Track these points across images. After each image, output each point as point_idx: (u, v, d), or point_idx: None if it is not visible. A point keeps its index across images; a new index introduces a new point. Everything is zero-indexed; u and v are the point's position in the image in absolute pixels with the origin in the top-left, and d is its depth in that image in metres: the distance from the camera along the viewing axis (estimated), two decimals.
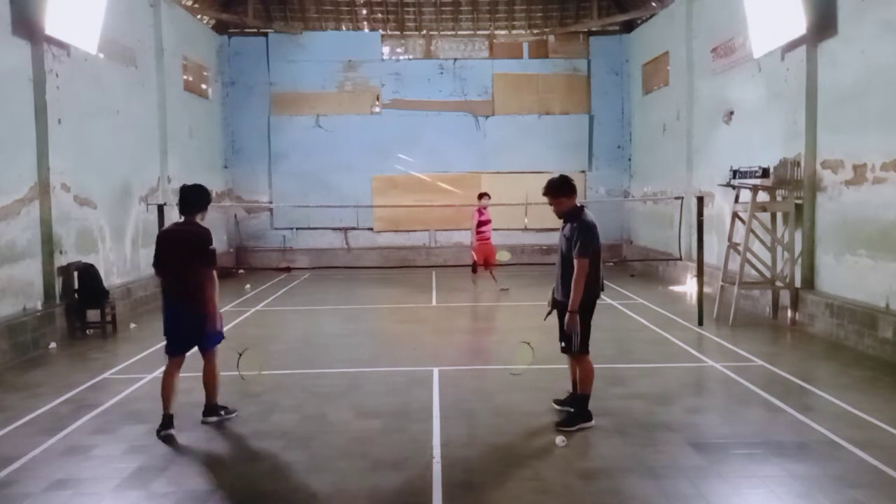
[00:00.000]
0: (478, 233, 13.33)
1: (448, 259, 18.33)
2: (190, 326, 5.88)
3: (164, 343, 6.02)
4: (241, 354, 6.56)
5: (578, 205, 5.98)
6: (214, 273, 5.94)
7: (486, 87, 19.09)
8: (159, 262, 5.95)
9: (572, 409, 6.03)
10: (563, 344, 5.94)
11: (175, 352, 5.97)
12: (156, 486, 4.80)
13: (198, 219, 5.98)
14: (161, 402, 5.90)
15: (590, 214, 5.94)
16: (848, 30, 9.14)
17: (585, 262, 5.70)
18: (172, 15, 14.52)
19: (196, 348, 6.08)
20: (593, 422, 5.86)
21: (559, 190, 5.90)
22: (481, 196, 13.67)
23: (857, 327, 8.57)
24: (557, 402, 6.34)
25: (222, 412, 6.20)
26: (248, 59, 18.72)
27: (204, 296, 5.81)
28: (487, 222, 13.44)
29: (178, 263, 5.84)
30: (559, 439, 5.53)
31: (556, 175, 6.06)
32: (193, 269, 5.81)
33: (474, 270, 13.43)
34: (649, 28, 17.40)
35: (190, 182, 6.25)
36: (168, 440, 5.68)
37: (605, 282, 6.16)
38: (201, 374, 6.17)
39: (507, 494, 4.65)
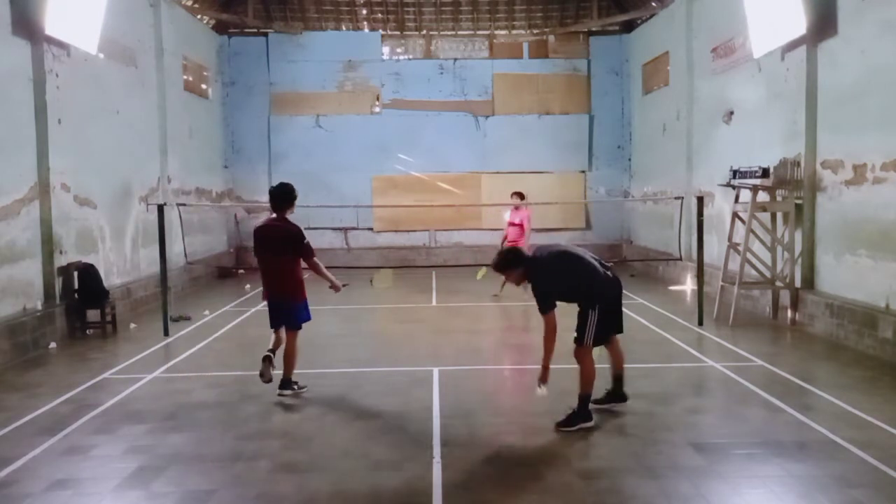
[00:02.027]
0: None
1: (448, 259, 18.32)
2: (281, 308, 6.81)
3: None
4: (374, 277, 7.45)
5: (532, 256, 5.95)
6: (314, 259, 6.77)
7: (486, 87, 19.08)
8: (257, 252, 6.84)
9: (622, 400, 6.22)
10: (575, 335, 5.93)
11: (272, 325, 6.91)
12: (156, 486, 4.80)
13: (287, 214, 6.75)
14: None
15: (543, 261, 5.87)
16: (848, 30, 9.14)
17: (549, 317, 5.74)
18: (172, 15, 14.52)
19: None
20: (593, 422, 5.86)
21: (502, 267, 5.97)
22: (513, 195, 12.72)
23: (857, 327, 8.57)
24: (597, 401, 6.21)
25: (295, 387, 6.85)
26: (248, 59, 18.71)
27: (291, 283, 6.70)
28: (512, 224, 12.51)
29: (271, 255, 6.70)
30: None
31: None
32: (285, 260, 6.68)
33: None
34: (649, 28, 17.40)
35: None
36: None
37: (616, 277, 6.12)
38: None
39: (507, 494, 4.64)
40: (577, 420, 5.82)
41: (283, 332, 6.87)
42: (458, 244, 18.73)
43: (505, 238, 12.67)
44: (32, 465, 5.21)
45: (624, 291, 6.32)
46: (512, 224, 12.62)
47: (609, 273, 6.01)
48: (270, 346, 6.81)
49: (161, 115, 14.04)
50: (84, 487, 4.81)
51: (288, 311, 6.81)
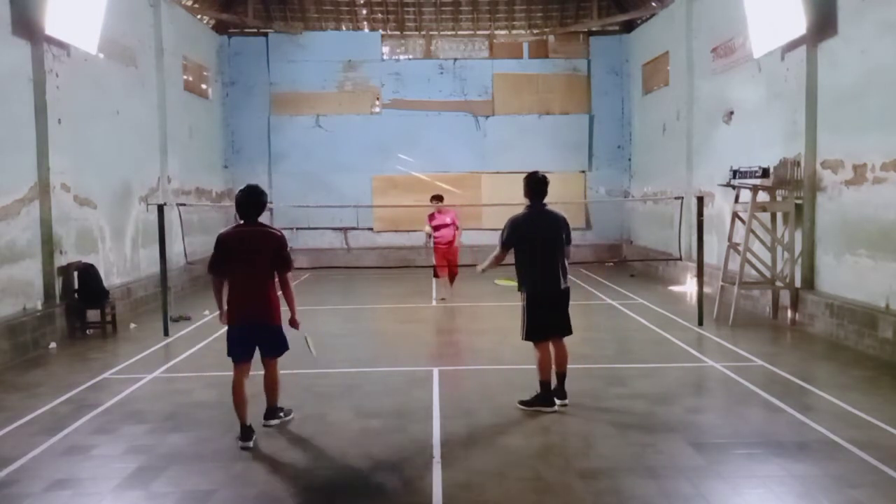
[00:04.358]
0: (435, 237, 12.80)
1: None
2: (258, 333, 5.66)
3: (227, 348, 5.66)
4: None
5: (528, 207, 6.43)
6: (290, 274, 5.84)
7: (486, 87, 19.09)
8: (218, 266, 5.66)
9: (564, 403, 6.36)
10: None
11: (239, 358, 5.65)
12: (156, 486, 4.80)
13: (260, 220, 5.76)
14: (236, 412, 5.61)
15: (518, 219, 6.38)
16: (848, 30, 9.14)
17: (498, 248, 6.39)
18: (172, 15, 14.52)
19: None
20: (553, 408, 6.19)
21: (526, 179, 6.51)
22: (432, 199, 13.06)
23: (857, 327, 8.57)
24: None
25: (281, 414, 6.04)
26: (248, 59, 18.72)
27: (274, 302, 5.66)
28: (444, 226, 12.72)
29: (250, 266, 5.59)
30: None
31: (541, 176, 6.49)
32: (265, 273, 5.63)
33: (435, 275, 12.96)
34: (649, 28, 17.40)
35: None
36: (248, 450, 5.44)
37: (556, 287, 6.32)
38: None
39: (507, 494, 4.64)
40: (535, 402, 6.26)
41: (246, 370, 5.66)
42: (458, 244, 18.70)
43: (433, 237, 12.78)
44: (32, 465, 5.20)
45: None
46: (445, 225, 12.73)
47: (549, 278, 6.21)
48: (240, 415, 5.55)
49: (161, 115, 14.05)
50: (84, 487, 4.81)
51: (268, 336, 5.71)
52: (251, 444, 5.50)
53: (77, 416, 6.31)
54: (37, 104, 9.59)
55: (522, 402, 6.33)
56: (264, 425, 5.85)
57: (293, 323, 5.96)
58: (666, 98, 16.10)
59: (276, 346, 5.77)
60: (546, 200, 6.46)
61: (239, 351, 5.63)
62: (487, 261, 6.59)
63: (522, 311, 6.34)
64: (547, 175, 6.56)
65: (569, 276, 6.43)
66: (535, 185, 6.36)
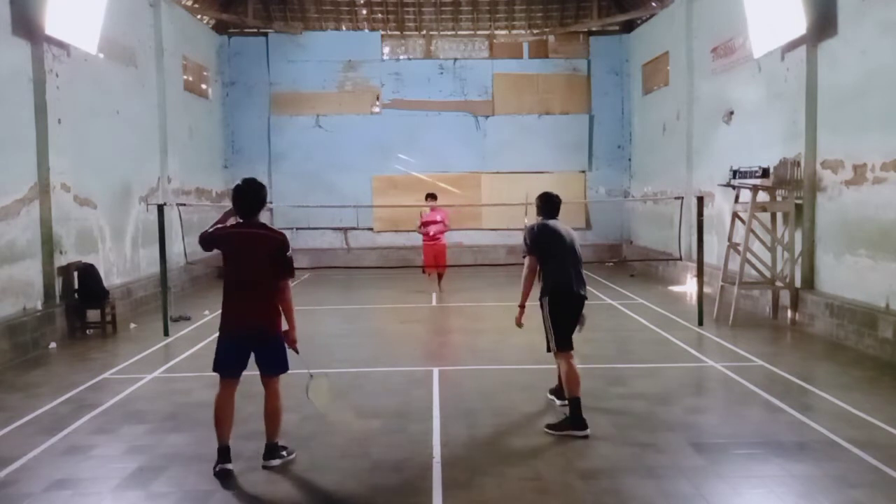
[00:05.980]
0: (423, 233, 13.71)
1: (448, 259, 18.26)
2: (254, 345, 5.08)
3: (213, 362, 5.13)
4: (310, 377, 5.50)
5: (544, 219, 6.26)
6: (289, 283, 5.19)
7: (486, 87, 19.09)
8: (228, 264, 5.15)
9: (564, 403, 6.12)
10: (546, 342, 6.14)
11: (228, 372, 5.09)
12: (156, 486, 4.80)
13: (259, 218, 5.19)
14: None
15: (538, 225, 6.22)
16: (848, 30, 9.14)
17: (527, 259, 6.14)
18: (172, 15, 14.52)
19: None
20: (586, 432, 5.60)
21: (540, 198, 6.40)
22: (427, 197, 13.93)
23: (857, 327, 8.57)
24: (551, 390, 6.55)
25: (284, 453, 5.22)
26: (248, 59, 18.72)
27: (274, 309, 5.07)
28: (431, 223, 13.57)
29: (246, 273, 5.02)
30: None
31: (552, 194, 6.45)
32: (266, 278, 5.03)
33: (424, 271, 13.89)
34: (649, 28, 17.40)
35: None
36: (224, 475, 4.92)
37: (581, 288, 6.14)
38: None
39: (507, 494, 4.64)
40: (566, 426, 5.71)
41: (233, 386, 5.13)
42: (459, 244, 18.72)
43: (426, 234, 13.62)
44: (32, 465, 5.20)
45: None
46: (434, 222, 13.62)
47: (575, 280, 6.03)
48: (220, 434, 5.05)
49: (161, 115, 14.05)
50: (84, 487, 4.81)
51: (265, 347, 5.09)
52: (230, 466, 4.98)
53: (77, 416, 6.31)
54: (37, 104, 9.59)
55: (550, 427, 5.76)
56: (264, 466, 5.09)
57: (289, 340, 5.21)
58: (666, 98, 16.10)
59: (274, 359, 5.11)
60: None
61: (225, 363, 5.06)
62: (521, 295, 6.19)
63: (546, 319, 6.02)
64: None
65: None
66: (551, 203, 6.33)
